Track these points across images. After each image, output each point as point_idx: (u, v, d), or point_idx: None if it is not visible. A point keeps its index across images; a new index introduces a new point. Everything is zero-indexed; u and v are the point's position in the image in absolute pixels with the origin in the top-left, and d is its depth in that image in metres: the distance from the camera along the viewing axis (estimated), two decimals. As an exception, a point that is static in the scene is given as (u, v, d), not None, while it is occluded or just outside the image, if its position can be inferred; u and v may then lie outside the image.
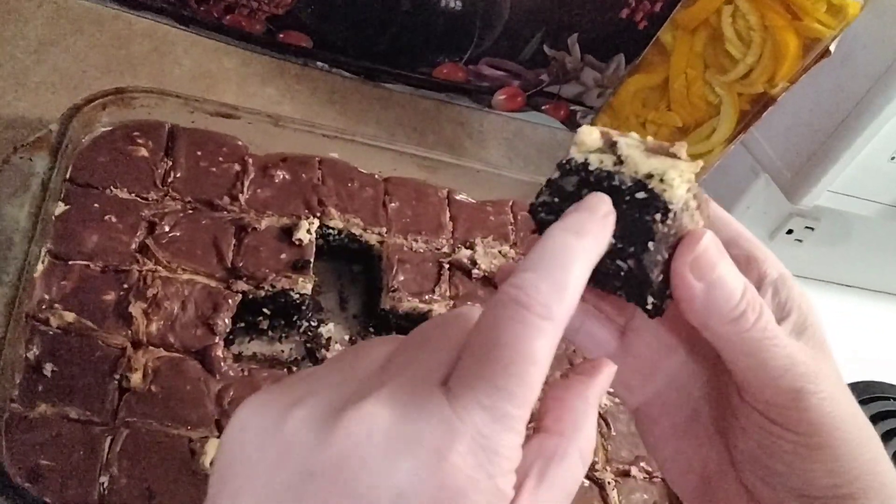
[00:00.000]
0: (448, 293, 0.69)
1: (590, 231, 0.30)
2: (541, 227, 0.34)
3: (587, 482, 0.63)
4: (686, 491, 0.40)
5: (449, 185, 0.77)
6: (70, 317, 0.54)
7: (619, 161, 0.32)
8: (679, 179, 0.31)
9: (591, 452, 0.30)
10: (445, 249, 0.73)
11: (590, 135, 0.33)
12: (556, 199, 0.33)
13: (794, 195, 0.80)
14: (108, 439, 0.51)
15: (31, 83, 0.71)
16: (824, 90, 0.75)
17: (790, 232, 0.91)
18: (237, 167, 0.67)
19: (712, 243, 0.32)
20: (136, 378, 0.53)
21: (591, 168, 0.32)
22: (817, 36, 0.68)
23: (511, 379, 0.26)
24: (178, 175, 0.64)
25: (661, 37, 0.77)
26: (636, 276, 0.32)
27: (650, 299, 0.33)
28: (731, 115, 0.74)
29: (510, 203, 0.78)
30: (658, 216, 0.31)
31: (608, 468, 0.64)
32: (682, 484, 0.40)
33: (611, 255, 0.32)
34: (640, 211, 0.31)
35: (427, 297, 0.68)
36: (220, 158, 0.67)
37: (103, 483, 0.49)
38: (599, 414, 0.67)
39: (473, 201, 0.78)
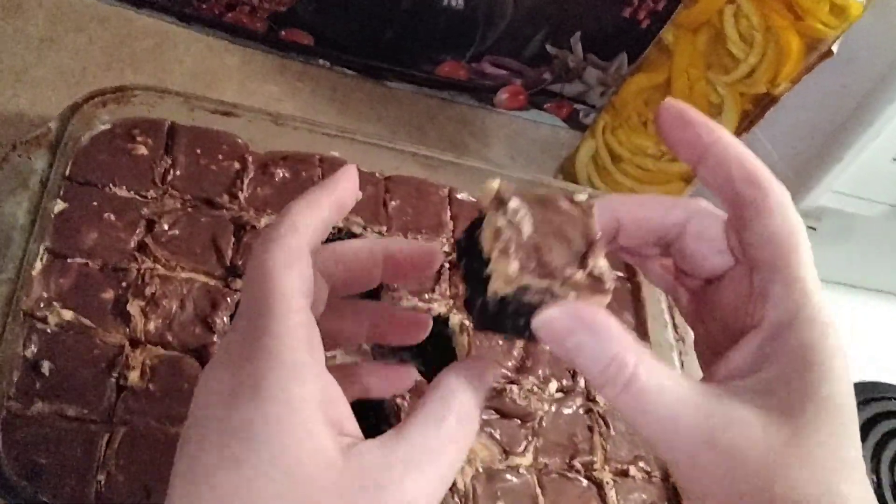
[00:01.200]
0: (448, 292, 0.69)
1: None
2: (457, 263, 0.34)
3: (585, 482, 0.63)
4: None
5: (450, 183, 0.77)
6: (68, 315, 0.54)
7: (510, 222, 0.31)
8: (497, 272, 0.30)
9: (466, 413, 0.31)
10: (446, 248, 0.72)
11: (484, 189, 0.32)
12: (463, 245, 0.33)
13: (796, 195, 0.78)
14: (106, 437, 0.51)
15: (31, 80, 0.71)
16: (827, 90, 0.75)
17: (793, 232, 0.90)
18: (237, 165, 0.67)
19: (548, 323, 0.30)
20: (133, 376, 0.53)
21: (477, 227, 0.32)
22: (820, 36, 0.67)
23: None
24: (178, 173, 0.64)
25: (664, 36, 0.77)
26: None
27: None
28: (733, 115, 0.74)
29: (511, 202, 0.78)
30: (481, 298, 0.31)
31: (606, 468, 0.64)
32: None
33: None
34: (477, 284, 0.31)
35: (427, 295, 0.68)
36: (220, 156, 0.67)
37: (100, 481, 0.49)
38: (599, 414, 0.67)
39: (475, 200, 0.77)
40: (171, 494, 0.29)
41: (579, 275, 0.30)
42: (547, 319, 0.30)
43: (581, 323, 0.30)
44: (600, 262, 0.31)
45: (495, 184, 0.32)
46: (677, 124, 0.33)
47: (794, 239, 0.31)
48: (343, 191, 0.35)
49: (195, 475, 0.28)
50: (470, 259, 0.33)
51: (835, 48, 0.67)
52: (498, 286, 0.30)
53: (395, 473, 0.28)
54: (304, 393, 0.28)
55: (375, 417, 0.61)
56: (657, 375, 0.30)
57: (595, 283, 0.30)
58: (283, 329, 0.29)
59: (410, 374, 0.41)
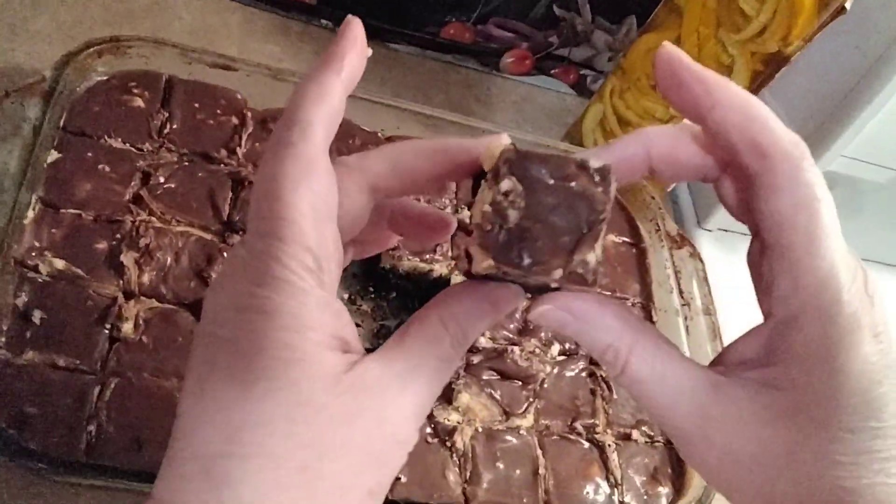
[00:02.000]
0: (450, 253, 0.68)
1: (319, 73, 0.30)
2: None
3: (587, 444, 0.62)
4: None
5: (453, 145, 0.75)
6: (60, 264, 0.53)
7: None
8: (476, 257, 0.28)
9: (462, 332, 0.30)
10: (448, 209, 0.71)
11: (490, 147, 0.30)
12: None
13: (806, 160, 0.77)
14: (97, 388, 0.50)
15: (28, 33, 0.70)
16: (839, 50, 0.73)
17: (802, 201, 0.89)
18: (235, 120, 0.66)
19: (544, 314, 0.30)
20: (127, 328, 0.52)
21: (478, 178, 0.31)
22: (833, -7, 0.66)
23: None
24: (175, 126, 0.63)
25: (674, -6, 0.75)
26: None
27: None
28: (744, 76, 0.72)
29: (515, 164, 0.77)
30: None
31: (609, 431, 0.63)
32: None
33: None
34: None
35: (428, 256, 0.67)
36: (218, 111, 0.65)
37: (91, 432, 0.48)
38: (601, 378, 0.66)
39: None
40: (180, 410, 0.28)
41: (558, 273, 0.28)
42: (539, 314, 0.30)
43: (572, 315, 0.30)
44: (589, 256, 0.28)
45: (498, 149, 0.29)
46: (674, 83, 0.30)
47: (805, 217, 0.28)
48: (351, 65, 0.31)
49: (203, 393, 0.28)
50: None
51: (848, 5, 0.65)
52: (475, 267, 0.29)
53: (393, 391, 0.29)
54: (313, 318, 0.28)
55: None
56: (654, 363, 0.29)
57: (578, 279, 0.28)
58: (291, 253, 0.28)
59: (449, 223, 0.38)
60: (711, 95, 0.29)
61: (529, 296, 0.32)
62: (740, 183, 0.30)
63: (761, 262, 0.30)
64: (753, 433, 0.28)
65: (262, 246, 0.28)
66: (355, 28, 0.31)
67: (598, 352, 0.30)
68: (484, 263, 0.28)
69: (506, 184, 0.27)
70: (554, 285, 0.29)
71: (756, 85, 0.72)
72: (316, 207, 0.28)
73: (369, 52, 0.32)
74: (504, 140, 0.31)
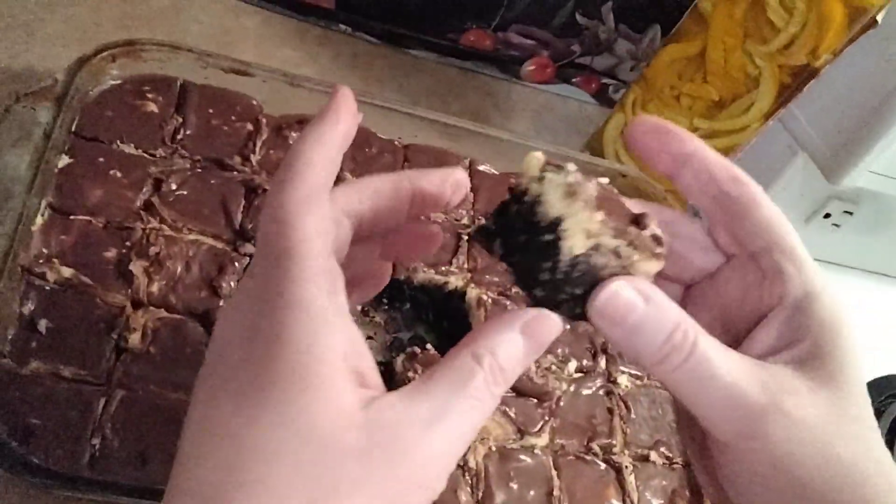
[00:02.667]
0: (466, 265, 0.66)
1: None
2: (488, 248, 0.34)
3: (603, 465, 0.60)
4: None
5: (472, 154, 0.74)
6: (68, 272, 0.51)
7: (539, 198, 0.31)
8: (574, 229, 0.30)
9: (499, 368, 0.29)
10: (465, 221, 0.70)
11: (530, 161, 0.32)
12: (494, 227, 0.33)
13: (833, 175, 0.76)
14: (102, 400, 0.49)
15: (44, 35, 0.69)
16: (869, 64, 0.71)
17: (828, 216, 0.87)
18: (250, 127, 0.65)
19: (612, 297, 0.30)
20: (134, 338, 0.51)
21: (525, 199, 0.31)
22: (864, 5, 0.64)
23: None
24: (188, 132, 0.62)
25: (700, 3, 0.73)
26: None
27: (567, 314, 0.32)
28: (771, 89, 0.70)
29: (534, 175, 0.75)
30: (547, 265, 0.30)
31: (626, 452, 0.62)
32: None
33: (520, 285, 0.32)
34: (540, 253, 0.30)
35: (444, 268, 0.65)
36: (233, 117, 0.64)
37: (95, 445, 0.47)
38: (619, 396, 0.64)
39: (496, 172, 0.75)
40: (184, 437, 0.28)
41: (646, 232, 0.31)
42: (612, 293, 0.30)
43: (642, 295, 0.30)
44: (654, 226, 0.32)
45: (540, 154, 0.32)
46: (654, 137, 0.35)
47: (786, 224, 0.34)
48: (346, 122, 0.32)
49: (209, 424, 0.27)
50: (512, 236, 0.32)
51: (879, 18, 0.64)
52: (575, 243, 0.30)
53: (416, 431, 0.27)
54: (329, 344, 0.27)
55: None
56: (715, 344, 0.30)
57: (656, 245, 0.31)
58: (305, 275, 0.27)
59: (437, 236, 0.39)
60: (692, 142, 0.34)
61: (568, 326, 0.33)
62: (724, 206, 0.34)
63: (756, 265, 0.34)
64: (811, 401, 0.30)
65: (273, 269, 0.28)
66: (347, 94, 0.33)
67: (663, 335, 0.30)
68: (596, 218, 0.30)
69: (571, 166, 0.31)
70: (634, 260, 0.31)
71: (783, 98, 0.70)
72: (323, 232, 0.28)
73: (360, 115, 0.34)
74: (539, 156, 0.32)
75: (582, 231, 0.30)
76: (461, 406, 0.28)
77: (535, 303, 0.32)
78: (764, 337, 0.33)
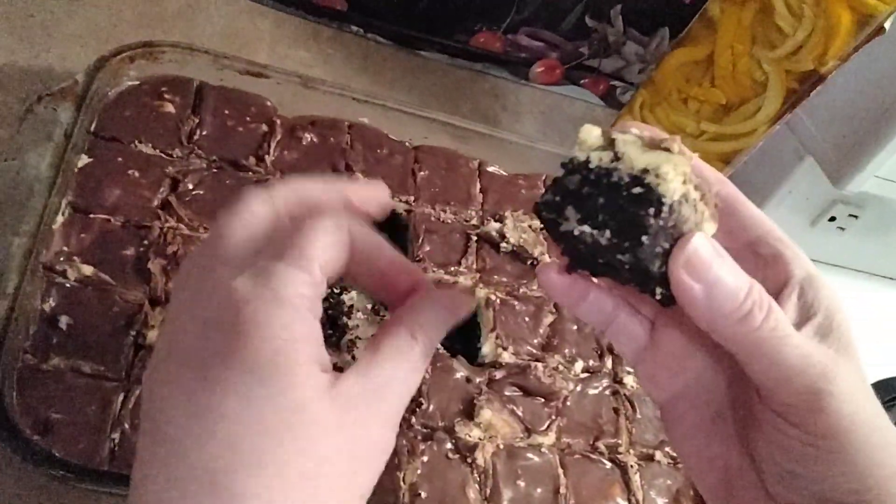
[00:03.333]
0: (475, 266, 0.68)
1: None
2: (546, 225, 0.34)
3: (609, 464, 0.61)
4: (706, 487, 0.39)
5: (481, 156, 0.75)
6: (88, 270, 0.53)
7: (617, 158, 0.32)
8: (673, 173, 0.30)
9: (429, 340, 0.33)
10: (474, 221, 0.71)
11: (591, 133, 0.33)
12: (559, 198, 0.33)
13: (839, 180, 0.76)
14: (121, 396, 0.50)
15: (62, 36, 0.70)
16: (876, 70, 0.72)
17: (833, 219, 0.88)
18: (264, 128, 0.66)
19: (702, 244, 0.31)
20: (152, 335, 0.52)
21: (591, 166, 0.32)
22: (872, 12, 0.64)
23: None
24: (204, 133, 0.63)
25: (709, 8, 0.74)
26: (639, 269, 0.32)
27: (658, 290, 0.33)
28: (778, 93, 0.71)
29: (543, 177, 0.76)
30: (651, 210, 0.31)
31: (631, 451, 0.63)
32: (704, 480, 0.39)
33: (611, 249, 0.32)
34: (636, 206, 0.31)
35: (453, 268, 0.66)
36: (248, 118, 0.65)
37: (114, 439, 0.48)
38: (625, 396, 0.65)
39: (505, 174, 0.76)
40: (165, 428, 0.28)
41: (714, 189, 0.32)
42: (700, 242, 0.31)
43: (717, 252, 0.31)
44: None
45: (594, 126, 0.33)
46: None
47: (768, 218, 0.36)
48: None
49: (197, 405, 0.28)
50: (587, 202, 0.32)
51: (887, 25, 0.64)
52: (674, 187, 0.30)
53: (374, 400, 0.31)
54: (303, 334, 0.29)
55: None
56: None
57: (714, 205, 0.33)
58: (297, 277, 0.30)
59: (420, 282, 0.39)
60: (761, 224, 0.36)
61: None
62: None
63: (756, 255, 0.35)
64: (848, 364, 0.32)
65: (268, 265, 0.30)
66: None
67: (744, 290, 0.31)
68: (689, 160, 0.31)
69: (635, 130, 0.32)
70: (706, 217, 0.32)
71: (790, 103, 0.71)
72: (327, 247, 0.31)
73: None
74: (595, 127, 0.33)
75: (680, 174, 0.31)
76: (403, 376, 0.32)
77: (620, 270, 0.33)
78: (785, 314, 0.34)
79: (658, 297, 0.33)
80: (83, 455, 0.47)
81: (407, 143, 0.72)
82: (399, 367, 0.32)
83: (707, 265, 0.31)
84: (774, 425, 0.33)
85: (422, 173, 0.71)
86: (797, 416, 0.32)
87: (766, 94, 0.72)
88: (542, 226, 0.35)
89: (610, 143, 0.32)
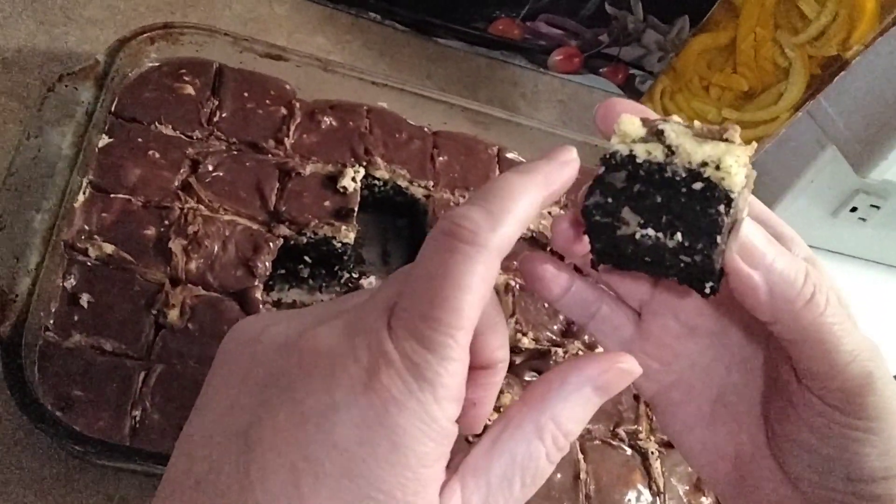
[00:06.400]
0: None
1: (539, 170, 0.29)
2: (594, 231, 0.32)
3: (629, 450, 0.61)
4: (718, 479, 0.38)
5: (500, 142, 0.75)
6: (109, 248, 0.53)
7: (670, 150, 0.30)
8: (736, 166, 0.29)
9: (563, 436, 0.29)
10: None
11: (631, 123, 0.30)
12: (609, 199, 0.30)
13: (861, 168, 0.75)
14: (142, 374, 0.50)
15: (81, 18, 0.70)
16: (901, 56, 0.71)
17: (854, 210, 0.87)
18: (284, 111, 0.65)
19: (755, 231, 0.30)
20: (173, 314, 0.52)
21: (638, 161, 0.30)
22: (897, -4, 0.64)
23: (440, 306, 0.25)
24: (224, 115, 0.63)
25: (731, -6, 0.73)
26: (701, 267, 0.30)
27: (709, 284, 0.31)
28: (801, 79, 0.70)
29: (562, 163, 0.76)
30: (722, 207, 0.29)
31: (652, 438, 0.62)
32: (713, 472, 0.38)
33: (676, 251, 0.30)
34: (701, 203, 0.29)
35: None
36: (267, 101, 0.65)
37: (135, 417, 0.48)
38: (645, 382, 0.64)
39: (524, 160, 0.75)
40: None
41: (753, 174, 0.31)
42: (749, 232, 0.30)
43: (768, 236, 0.31)
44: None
45: (633, 117, 0.31)
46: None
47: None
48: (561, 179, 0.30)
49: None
50: (642, 200, 0.30)
51: (914, 10, 0.64)
52: (738, 180, 0.29)
53: None
54: (434, 458, 0.26)
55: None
56: None
57: None
58: (441, 406, 0.26)
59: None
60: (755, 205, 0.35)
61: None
62: None
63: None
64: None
65: (420, 362, 0.25)
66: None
67: (802, 275, 0.30)
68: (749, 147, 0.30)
69: (676, 117, 0.31)
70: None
71: (813, 89, 0.70)
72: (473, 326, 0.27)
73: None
74: (634, 118, 0.31)
75: (743, 166, 0.29)
76: (519, 480, 0.28)
77: (684, 271, 0.31)
78: None
79: (706, 291, 0.31)
80: (104, 431, 0.47)
81: (426, 128, 0.72)
82: (515, 475, 0.28)
83: (762, 252, 0.30)
84: (815, 409, 0.33)
85: (440, 158, 0.70)
86: (845, 401, 0.32)
87: (788, 80, 0.71)
88: (585, 230, 0.32)
89: (654, 135, 0.30)
